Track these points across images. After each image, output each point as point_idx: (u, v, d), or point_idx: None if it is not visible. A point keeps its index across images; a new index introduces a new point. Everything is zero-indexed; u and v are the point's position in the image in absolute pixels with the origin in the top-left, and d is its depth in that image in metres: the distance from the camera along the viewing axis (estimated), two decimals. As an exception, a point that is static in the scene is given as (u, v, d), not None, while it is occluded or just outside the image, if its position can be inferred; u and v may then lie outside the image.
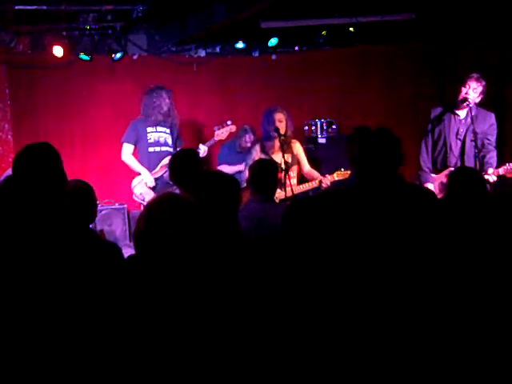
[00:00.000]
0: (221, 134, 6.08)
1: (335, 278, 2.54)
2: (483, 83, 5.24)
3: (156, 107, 5.89)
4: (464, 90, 5.22)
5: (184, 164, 4.07)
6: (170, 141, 5.94)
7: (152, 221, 2.22)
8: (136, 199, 5.93)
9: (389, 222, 2.81)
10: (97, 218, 6.08)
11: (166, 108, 5.91)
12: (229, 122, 6.16)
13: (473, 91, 5.20)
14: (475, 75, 5.24)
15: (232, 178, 2.98)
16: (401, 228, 2.82)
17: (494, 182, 5.02)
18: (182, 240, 2.22)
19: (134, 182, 5.92)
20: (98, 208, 6.15)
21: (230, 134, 6.24)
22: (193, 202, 2.62)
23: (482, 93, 5.24)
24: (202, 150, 5.85)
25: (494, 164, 5.20)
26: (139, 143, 5.95)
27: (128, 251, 2.91)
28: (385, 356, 2.46)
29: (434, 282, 2.78)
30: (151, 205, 2.30)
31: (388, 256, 2.73)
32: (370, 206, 2.83)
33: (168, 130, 5.96)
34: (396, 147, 3.02)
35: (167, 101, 5.92)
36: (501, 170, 5.01)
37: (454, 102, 5.40)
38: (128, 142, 5.95)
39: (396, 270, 2.70)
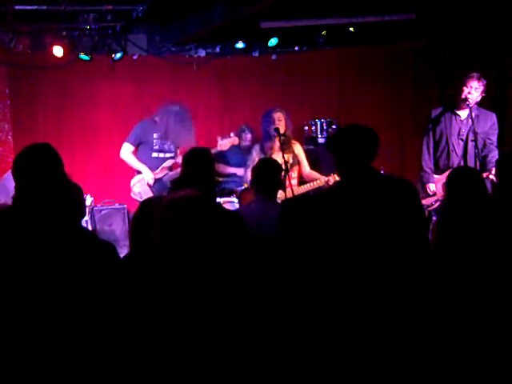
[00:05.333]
0: (223, 144, 6.11)
1: (329, 274, 2.55)
2: (484, 82, 5.24)
3: (166, 128, 5.86)
4: (466, 90, 5.21)
5: (197, 163, 4.03)
6: (173, 147, 5.96)
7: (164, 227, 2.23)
8: (134, 197, 5.93)
9: (371, 214, 2.81)
10: (97, 218, 6.11)
11: (174, 132, 5.86)
12: (232, 135, 6.21)
13: (475, 91, 5.19)
14: (476, 75, 5.23)
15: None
16: (384, 220, 2.82)
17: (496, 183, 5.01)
18: (188, 241, 2.23)
19: (134, 180, 5.93)
20: (98, 208, 6.22)
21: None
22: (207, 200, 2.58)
23: (482, 92, 5.24)
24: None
25: None
26: (143, 145, 5.93)
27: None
28: (376, 351, 2.47)
29: (428, 279, 2.79)
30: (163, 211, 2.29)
31: (377, 250, 2.74)
32: (350, 202, 2.85)
33: None
34: (366, 141, 3.00)
35: (179, 123, 5.86)
36: None
37: (454, 103, 5.39)
38: (129, 143, 5.93)
39: (385, 263, 2.72)
